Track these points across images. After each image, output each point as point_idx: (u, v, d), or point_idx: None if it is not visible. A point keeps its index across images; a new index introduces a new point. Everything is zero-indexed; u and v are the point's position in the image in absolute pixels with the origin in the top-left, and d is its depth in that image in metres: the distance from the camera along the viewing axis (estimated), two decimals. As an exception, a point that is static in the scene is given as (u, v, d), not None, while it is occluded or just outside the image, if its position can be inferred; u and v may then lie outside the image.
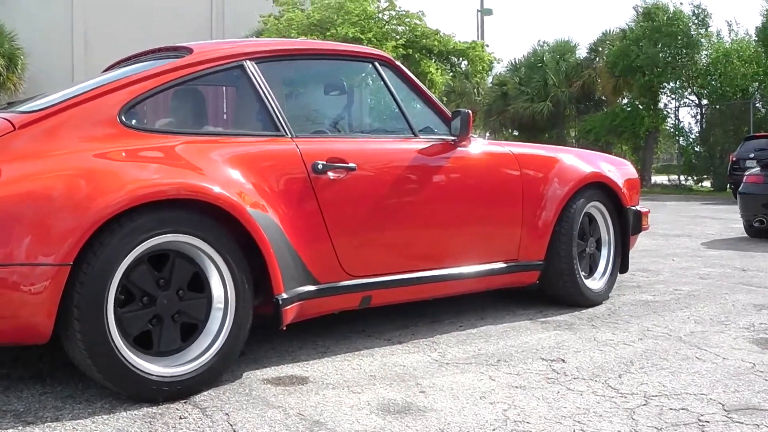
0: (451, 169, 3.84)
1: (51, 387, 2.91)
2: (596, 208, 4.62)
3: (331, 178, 3.34)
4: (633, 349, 3.61)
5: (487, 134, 31.84)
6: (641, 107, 28.01)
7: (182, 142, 3.07)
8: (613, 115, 28.30)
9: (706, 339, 3.81)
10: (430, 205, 3.74)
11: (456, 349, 3.59)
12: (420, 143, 3.78)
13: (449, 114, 3.95)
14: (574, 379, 3.14)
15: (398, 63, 3.96)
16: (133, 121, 3.06)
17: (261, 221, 3.00)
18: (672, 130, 28.54)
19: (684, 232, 10.05)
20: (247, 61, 3.37)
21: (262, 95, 3.36)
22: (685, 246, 8.28)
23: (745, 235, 9.43)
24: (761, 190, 9.01)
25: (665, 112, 28.57)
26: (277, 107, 3.37)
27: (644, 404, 2.83)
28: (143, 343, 2.81)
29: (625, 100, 29.20)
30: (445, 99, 30.97)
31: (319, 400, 2.82)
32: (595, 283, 4.62)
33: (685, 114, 28.33)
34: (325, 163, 3.33)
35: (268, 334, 3.56)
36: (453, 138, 3.90)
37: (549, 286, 4.39)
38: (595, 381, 3.11)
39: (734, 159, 19.63)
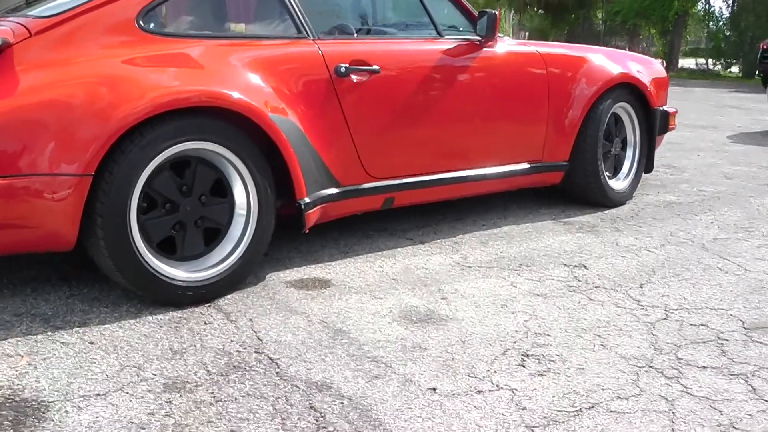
0: (476, 69, 3.71)
1: (78, 289, 2.92)
2: (623, 109, 4.49)
3: (354, 80, 3.24)
4: (655, 256, 3.57)
5: (512, 12, 30.93)
6: (673, -11, 26.92)
7: (202, 46, 2.96)
8: (643, -2, 27.25)
9: (729, 247, 3.76)
10: (455, 106, 3.64)
11: (478, 252, 3.57)
12: (445, 43, 3.65)
13: (475, 13, 3.79)
14: (596, 288, 3.12)
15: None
16: (152, 25, 2.92)
17: (282, 126, 2.92)
18: (702, 13, 27.55)
19: (710, 123, 9.83)
20: None
21: None
22: (710, 139, 8.12)
23: (776, 129, 9.23)
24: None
25: (697, -5, 27.51)
26: (298, 7, 3.23)
27: (664, 318, 2.81)
28: (167, 249, 2.80)
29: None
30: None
31: (341, 306, 2.82)
32: (619, 184, 4.55)
33: (717, -3, 27.18)
34: (348, 66, 3.21)
35: (291, 234, 3.53)
36: (479, 38, 3.76)
37: (573, 187, 4.32)
38: (617, 291, 3.09)
39: (765, 47, 18.96)
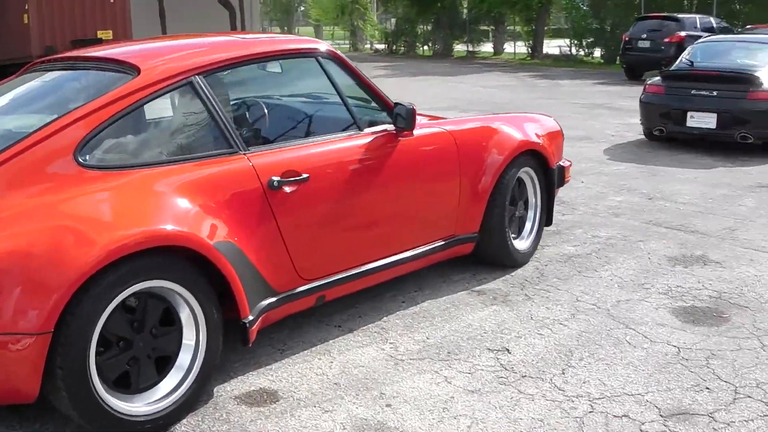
0: (395, 160, 3.97)
1: (30, 426, 3.00)
2: (526, 173, 4.87)
3: (287, 191, 3.43)
4: (569, 331, 3.96)
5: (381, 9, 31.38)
6: (535, -22, 28.12)
7: (140, 176, 3.05)
8: (507, -15, 28.33)
9: (632, 312, 4.21)
10: (377, 198, 3.90)
11: (406, 339, 3.85)
12: (366, 137, 3.88)
13: (391, 102, 4.04)
14: (522, 377, 3.47)
15: (339, 53, 3.98)
16: (89, 159, 2.99)
17: (225, 251, 3.09)
18: (564, 2, 28.91)
19: (585, 133, 10.54)
20: (196, 77, 3.33)
21: (213, 111, 3.35)
22: (588, 157, 8.77)
23: (643, 137, 10.00)
24: (662, 100, 9.50)
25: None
26: (227, 122, 3.39)
27: (590, 411, 3.18)
28: (120, 382, 2.92)
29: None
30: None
31: (296, 426, 3.04)
32: (523, 243, 4.94)
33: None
34: (280, 178, 3.40)
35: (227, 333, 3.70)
36: (396, 128, 4.01)
37: (483, 254, 4.67)
38: (542, 380, 3.45)
39: (627, 38, 20.24)
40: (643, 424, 3.09)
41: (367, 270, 3.89)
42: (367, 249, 3.90)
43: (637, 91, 11.20)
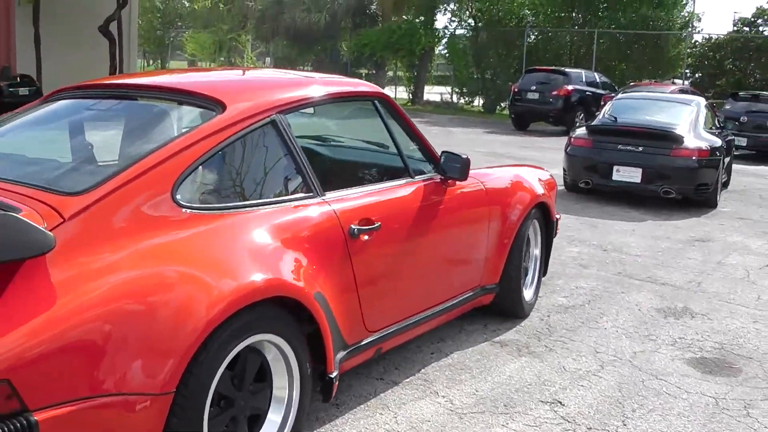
0: (444, 210, 4.03)
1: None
2: (533, 226, 5.03)
3: (363, 240, 3.41)
4: (607, 382, 4.11)
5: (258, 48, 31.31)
6: (419, 25, 29.01)
7: (237, 219, 2.94)
8: (390, 31, 29.09)
9: (652, 363, 4.41)
10: (430, 250, 3.93)
11: (455, 392, 3.88)
12: (420, 186, 3.92)
13: (437, 153, 4.11)
14: (588, 430, 3.57)
15: (392, 99, 4.02)
16: (185, 199, 2.83)
17: (320, 302, 3.04)
18: (446, 52, 29.95)
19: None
20: (278, 115, 3.28)
21: (294, 152, 3.29)
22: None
23: (563, 188, 10.44)
24: (588, 153, 10.01)
25: (442, 32, 29.87)
26: (306, 164, 3.34)
27: (670, 462, 3.32)
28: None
29: (404, 17, 30.05)
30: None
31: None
32: (528, 294, 5.08)
33: (461, 35, 29.75)
34: (359, 226, 3.38)
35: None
36: (441, 177, 4.07)
37: (498, 304, 4.77)
38: (608, 430, 3.56)
39: (516, 89, 21.18)
40: (723, 474, 3.24)
41: (416, 320, 3.91)
42: (418, 299, 3.92)
43: (529, 141, 11.78)
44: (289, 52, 32.08)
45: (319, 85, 3.69)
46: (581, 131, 10.50)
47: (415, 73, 29.93)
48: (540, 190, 4.98)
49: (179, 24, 36.63)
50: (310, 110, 3.97)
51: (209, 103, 3.17)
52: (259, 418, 2.97)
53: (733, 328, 5.14)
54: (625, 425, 3.64)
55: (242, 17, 31.23)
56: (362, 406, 3.68)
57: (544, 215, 5.12)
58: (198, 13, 31.67)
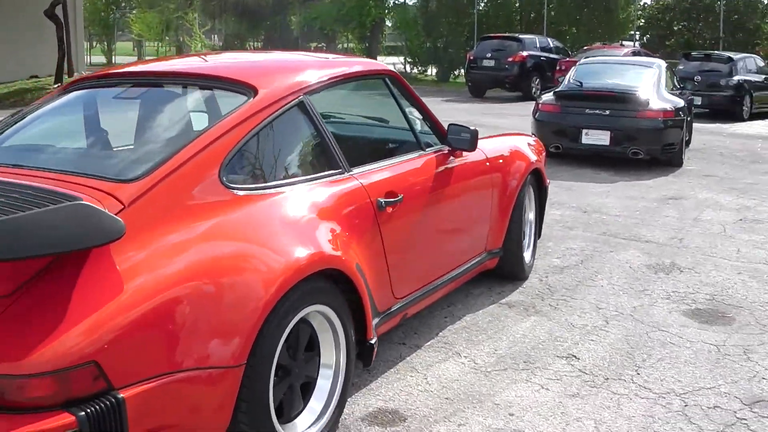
0: (455, 180, 4.21)
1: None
2: (528, 191, 5.25)
3: (389, 212, 3.58)
4: (614, 336, 4.36)
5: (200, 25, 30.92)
6: (369, -3, 29.00)
7: (278, 198, 3.06)
8: (340, 4, 29.03)
9: (651, 316, 4.68)
10: (445, 218, 4.13)
11: (476, 352, 4.09)
12: (432, 158, 4.09)
13: (443, 126, 4.28)
14: (606, 380, 3.81)
15: (401, 76, 4.17)
16: (230, 181, 2.93)
17: (359, 272, 3.21)
18: (397, 23, 29.99)
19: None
20: (305, 96, 3.41)
21: (322, 131, 3.43)
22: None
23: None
24: (557, 119, 10.28)
25: (393, 3, 29.90)
26: (333, 142, 3.48)
27: (686, 405, 3.57)
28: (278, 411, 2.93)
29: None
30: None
31: (443, 441, 3.21)
32: (527, 256, 5.31)
33: (411, 6, 29.78)
34: (385, 199, 3.55)
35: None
36: (449, 149, 4.24)
37: (501, 267, 4.98)
38: (624, 380, 3.81)
39: (472, 57, 21.41)
40: (735, 412, 3.51)
41: (436, 286, 4.10)
42: (436, 265, 4.11)
43: (488, 108, 11.98)
44: (239, 29, 31.83)
45: (338, 66, 3.83)
46: (548, 97, 10.75)
47: (367, 45, 29.97)
48: (534, 156, 5.19)
49: (123, 5, 36.07)
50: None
51: (241, 87, 3.28)
52: (309, 385, 3.13)
53: (719, 280, 5.43)
54: (638, 374, 3.89)
55: (188, -6, 30.90)
56: (392, 369, 3.87)
57: (537, 180, 5.33)
58: (142, -8, 31.26)
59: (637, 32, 27.38)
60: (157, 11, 30.62)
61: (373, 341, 3.33)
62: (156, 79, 3.62)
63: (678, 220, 7.27)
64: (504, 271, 5.06)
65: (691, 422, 3.42)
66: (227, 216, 2.85)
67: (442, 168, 4.13)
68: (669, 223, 7.16)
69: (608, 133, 9.90)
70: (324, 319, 3.10)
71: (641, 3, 27.82)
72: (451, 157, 4.25)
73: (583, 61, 12.11)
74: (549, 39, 22.58)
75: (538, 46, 21.42)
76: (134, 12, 32.66)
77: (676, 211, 7.69)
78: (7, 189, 2.54)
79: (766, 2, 25.43)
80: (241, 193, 2.95)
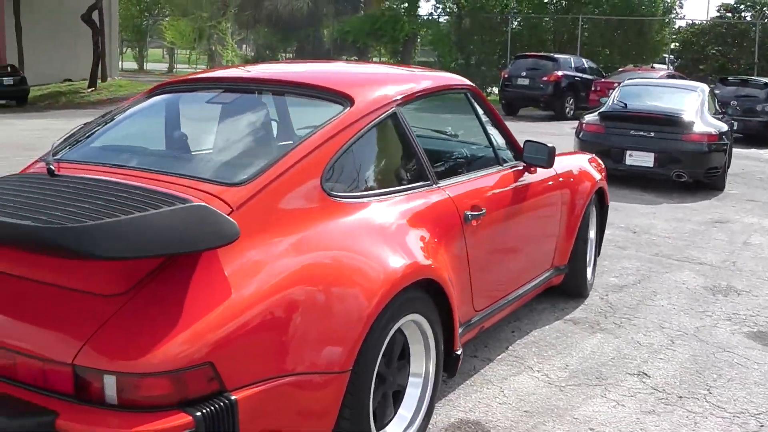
0: (530, 195, 4.29)
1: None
2: (593, 209, 5.32)
3: (474, 225, 3.66)
4: (682, 355, 4.41)
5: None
6: (402, 12, 29.18)
7: (375, 207, 3.14)
8: (374, 18, 29.21)
9: (715, 337, 4.73)
10: (521, 233, 4.21)
11: (548, 366, 4.16)
12: (510, 173, 4.17)
13: (518, 142, 4.36)
14: (679, 398, 3.87)
15: (481, 91, 4.26)
16: (331, 188, 3.00)
17: (451, 284, 3.28)
18: (431, 37, 30.16)
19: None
20: (397, 107, 3.48)
21: (413, 143, 3.51)
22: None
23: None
24: (601, 139, 10.33)
25: (425, 18, 30.07)
26: (422, 154, 3.56)
27: (761, 426, 3.62)
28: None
29: (386, 4, 30.20)
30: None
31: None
32: (588, 273, 5.37)
33: (444, 22, 29.92)
34: (471, 212, 3.63)
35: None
36: (524, 164, 4.32)
37: (565, 284, 5.05)
38: (697, 399, 3.86)
39: (506, 75, 21.47)
40: (813, 434, 3.55)
41: (510, 300, 4.18)
42: (512, 279, 4.19)
43: (523, 126, 12.05)
44: (271, 40, 32.08)
45: (426, 78, 3.92)
46: (592, 117, 10.80)
47: (399, 60, 30.09)
48: (598, 175, 5.26)
49: (156, 12, 36.42)
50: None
51: (337, 97, 3.32)
52: (399, 393, 3.20)
53: (778, 303, 5.47)
54: (710, 393, 3.94)
55: (222, 4, 31.17)
56: (468, 381, 3.94)
57: (599, 199, 5.40)
58: (177, 0, 31.57)
59: (671, 55, 27.37)
60: (191, 19, 30.93)
61: (459, 352, 3.40)
62: (249, 86, 3.67)
63: (728, 243, 7.30)
64: (568, 287, 5.12)
65: (769, 443, 3.46)
66: (329, 223, 2.91)
67: (519, 184, 4.21)
68: (719, 246, 7.19)
69: (652, 154, 9.93)
70: (417, 329, 3.17)
71: (676, 26, 27.83)
72: (526, 173, 4.32)
73: (626, 82, 12.15)
74: (584, 59, 22.61)
75: (573, 66, 21.48)
76: (167, 19, 33.00)
77: (724, 234, 7.72)
78: (116, 189, 2.59)
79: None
80: (341, 201, 3.01)
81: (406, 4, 29.36)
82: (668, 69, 24.39)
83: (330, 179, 3.03)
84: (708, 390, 3.98)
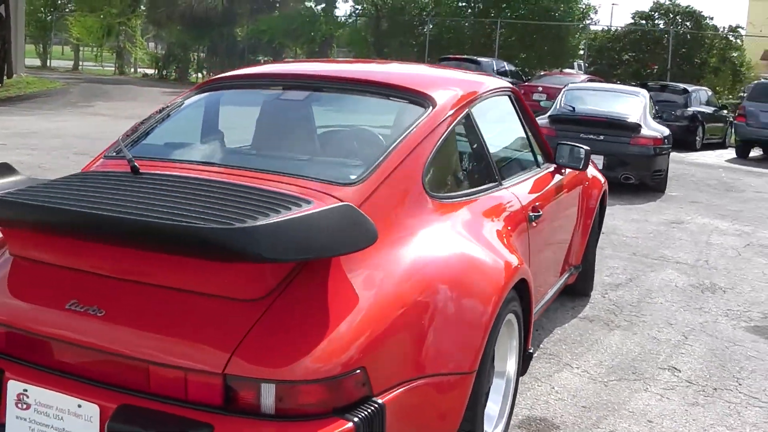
0: (563, 198, 4.46)
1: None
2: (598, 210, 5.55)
3: (534, 226, 3.80)
4: (700, 350, 4.66)
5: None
6: (319, 13, 29.20)
7: (469, 206, 3.21)
8: (290, 18, 29.13)
9: (720, 332, 5.01)
10: (559, 233, 4.38)
11: (585, 363, 4.34)
12: (551, 174, 4.33)
13: (549, 145, 4.53)
14: (715, 390, 4.10)
15: (521, 93, 4.40)
16: (429, 188, 3.02)
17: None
18: (347, 40, 30.27)
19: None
20: (469, 108, 3.55)
21: (483, 143, 3.59)
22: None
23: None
24: (551, 142, 10.61)
25: (342, 19, 30.17)
26: (490, 154, 3.66)
27: (798, 413, 3.89)
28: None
29: (304, 4, 30.16)
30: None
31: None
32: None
33: (361, 23, 30.04)
34: (533, 213, 3.77)
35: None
36: (555, 166, 4.49)
37: (578, 283, 5.25)
38: (731, 390, 4.10)
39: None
40: (843, 420, 3.84)
41: (548, 298, 4.33)
42: (552, 277, 4.35)
43: None
44: (184, 38, 31.46)
45: (483, 80, 4.01)
46: (542, 120, 11.10)
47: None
48: (602, 178, 5.49)
49: (60, 5, 35.20)
50: None
51: (419, 98, 3.32)
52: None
53: (763, 299, 5.83)
54: (740, 385, 4.19)
55: (132, 0, 30.48)
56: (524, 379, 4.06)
57: (601, 201, 5.63)
58: (84, -5, 30.67)
59: (583, 61, 28.31)
60: (99, 15, 30.09)
61: (531, 350, 3.52)
62: (326, 83, 3.60)
63: (693, 244, 7.69)
64: (578, 286, 5.32)
65: (811, 430, 3.72)
66: (436, 225, 2.94)
67: (556, 185, 4.37)
68: (686, 246, 7.57)
69: (602, 157, 10.29)
70: (507, 329, 3.26)
71: (592, 33, 28.80)
72: (561, 175, 4.49)
73: (570, 86, 12.56)
74: (505, 63, 23.17)
75: (495, 69, 21.94)
76: (74, 14, 31.98)
77: (685, 234, 8.12)
78: (229, 190, 2.53)
79: (712, 38, 26.69)
80: (439, 201, 3.06)
81: (324, 5, 29.37)
82: (576, 72, 25.24)
83: (428, 179, 3.04)
84: (737, 382, 4.23)
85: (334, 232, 2.33)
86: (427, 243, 2.82)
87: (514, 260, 3.10)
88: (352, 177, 2.81)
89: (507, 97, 4.20)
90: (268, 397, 2.18)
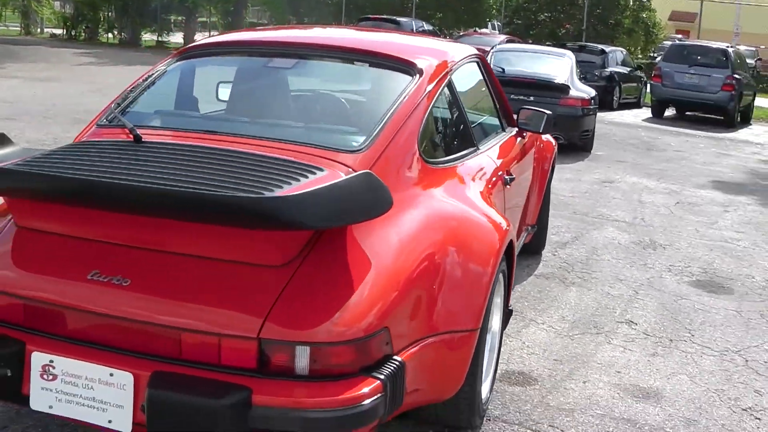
0: (525, 161, 4.64)
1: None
2: (548, 171, 5.76)
3: (509, 188, 3.96)
4: (650, 304, 4.95)
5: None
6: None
7: (458, 170, 3.36)
8: (205, -24, 28.47)
9: (666, 286, 5.33)
10: (524, 195, 4.57)
11: (548, 318, 4.55)
12: (515, 139, 4.50)
13: (512, 109, 4.69)
14: (671, 341, 4.38)
15: (486, 59, 4.52)
16: (426, 156, 3.12)
17: None
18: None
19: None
20: (450, 75, 3.62)
21: (462, 109, 3.70)
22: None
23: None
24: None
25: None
26: (467, 120, 3.79)
27: (747, 360, 4.19)
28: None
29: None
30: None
31: (585, 392, 3.65)
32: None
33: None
34: (507, 176, 3.93)
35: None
36: (517, 130, 4.66)
37: (533, 242, 5.46)
38: (685, 341, 4.39)
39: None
40: (789, 366, 4.17)
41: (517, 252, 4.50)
42: (518, 237, 4.52)
43: None
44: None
45: (457, 47, 4.11)
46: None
47: (230, 20, 29.58)
48: (553, 140, 5.69)
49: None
50: None
51: (406, 66, 3.39)
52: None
53: (700, 255, 6.18)
54: (693, 336, 4.48)
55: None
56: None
57: (552, 162, 5.84)
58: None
59: (498, 21, 28.67)
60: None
61: (511, 307, 3.68)
62: (313, 51, 3.62)
63: (626, 202, 8.03)
64: (532, 245, 5.53)
65: (758, 374, 4.03)
66: (435, 189, 3.07)
67: (520, 149, 4.53)
68: (620, 204, 7.90)
69: (532, 118, 10.54)
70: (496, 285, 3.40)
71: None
72: (523, 138, 4.65)
73: (498, 47, 12.78)
74: (423, 23, 23.30)
75: (414, 28, 22.07)
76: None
77: (617, 193, 8.47)
78: (239, 158, 2.59)
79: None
80: (434, 167, 3.18)
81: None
82: (498, 33, 25.58)
83: (422, 145, 3.13)
84: (690, 333, 4.52)
85: (358, 199, 2.41)
86: (431, 207, 2.95)
87: (504, 223, 3.25)
88: (355, 144, 2.90)
89: (476, 63, 4.31)
90: (302, 359, 2.27)
